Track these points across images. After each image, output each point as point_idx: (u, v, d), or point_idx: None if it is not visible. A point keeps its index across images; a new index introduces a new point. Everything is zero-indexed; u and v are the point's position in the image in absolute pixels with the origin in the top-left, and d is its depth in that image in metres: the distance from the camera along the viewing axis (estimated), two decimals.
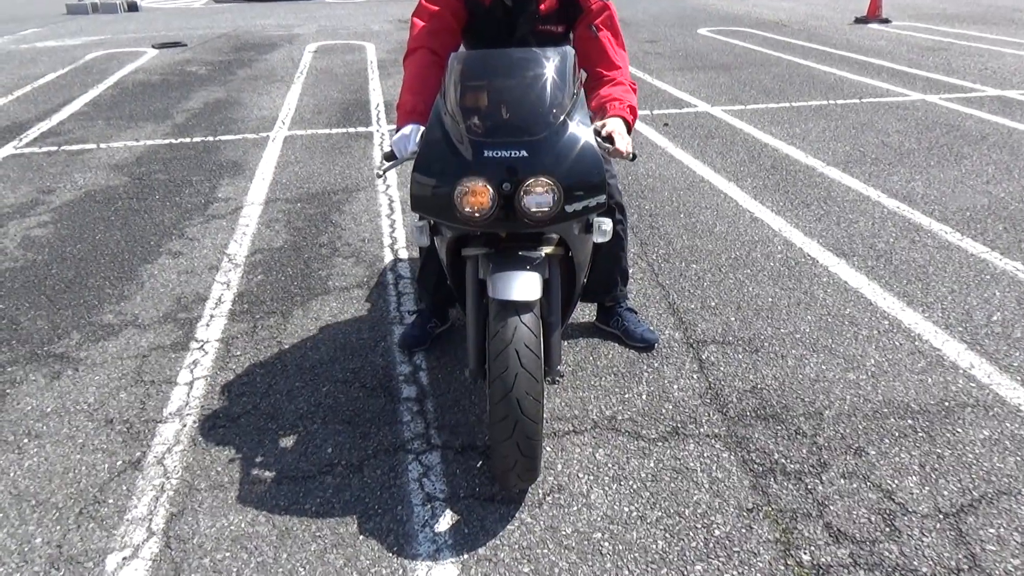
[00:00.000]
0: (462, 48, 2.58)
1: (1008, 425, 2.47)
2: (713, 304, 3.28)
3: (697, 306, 3.27)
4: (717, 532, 2.05)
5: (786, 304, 3.27)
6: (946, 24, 12.33)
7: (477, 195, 1.97)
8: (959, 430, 2.45)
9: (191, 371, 2.85)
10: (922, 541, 2.01)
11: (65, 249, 3.95)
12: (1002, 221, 4.13)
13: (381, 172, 2.29)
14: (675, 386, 2.70)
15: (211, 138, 6.03)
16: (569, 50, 2.21)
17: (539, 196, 1.97)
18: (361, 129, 6.24)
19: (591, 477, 2.26)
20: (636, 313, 3.04)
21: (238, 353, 2.97)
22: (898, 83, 7.72)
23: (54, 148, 5.82)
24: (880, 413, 2.54)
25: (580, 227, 2.13)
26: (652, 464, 2.31)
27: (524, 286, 1.96)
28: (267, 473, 2.30)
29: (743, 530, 2.05)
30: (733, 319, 3.15)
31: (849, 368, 2.79)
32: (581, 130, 2.04)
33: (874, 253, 3.75)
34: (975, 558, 1.95)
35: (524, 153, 1.97)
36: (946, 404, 2.58)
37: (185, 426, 2.53)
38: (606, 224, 2.12)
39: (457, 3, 2.49)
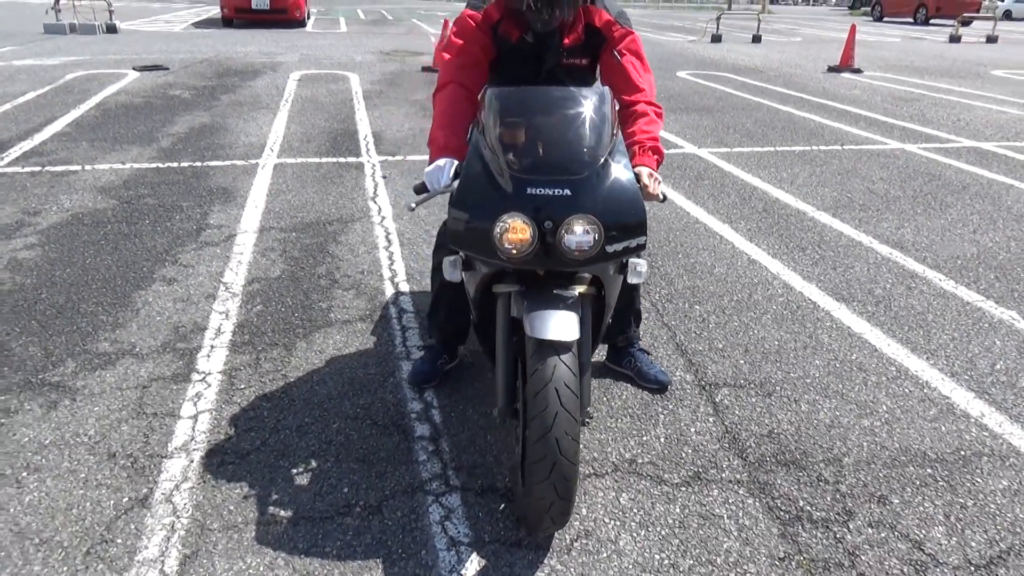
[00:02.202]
0: (493, 85, 2.57)
1: None
2: (721, 346, 3.28)
3: (705, 348, 3.26)
4: None
5: (793, 348, 3.28)
6: (915, 76, 12.75)
7: (518, 232, 1.95)
8: (978, 480, 2.46)
9: (194, 404, 2.76)
10: None
11: (55, 273, 3.83)
12: (993, 270, 4.22)
13: (414, 205, 2.26)
14: (692, 429, 2.68)
15: (199, 163, 5.94)
16: (607, 90, 2.22)
17: (580, 236, 1.95)
18: (351, 159, 6.21)
19: (617, 523, 2.21)
20: (649, 354, 3.03)
21: (242, 386, 2.88)
22: (876, 131, 7.92)
23: (38, 168, 5.68)
24: (899, 461, 2.54)
25: (615, 267, 2.12)
26: (678, 510, 2.27)
27: (564, 325, 1.94)
28: (283, 513, 2.22)
29: None
30: (742, 362, 3.15)
31: (863, 415, 2.80)
32: (622, 171, 2.04)
33: (873, 299, 3.80)
34: None
35: (567, 192, 1.96)
36: (962, 453, 2.59)
37: (192, 462, 2.44)
38: (641, 266, 2.11)
39: (486, 38, 2.49)
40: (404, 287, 3.79)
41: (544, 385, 1.88)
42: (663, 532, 2.18)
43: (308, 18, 20.59)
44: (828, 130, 7.92)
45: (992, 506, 2.34)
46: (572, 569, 2.04)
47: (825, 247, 4.50)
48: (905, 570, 2.07)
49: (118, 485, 2.32)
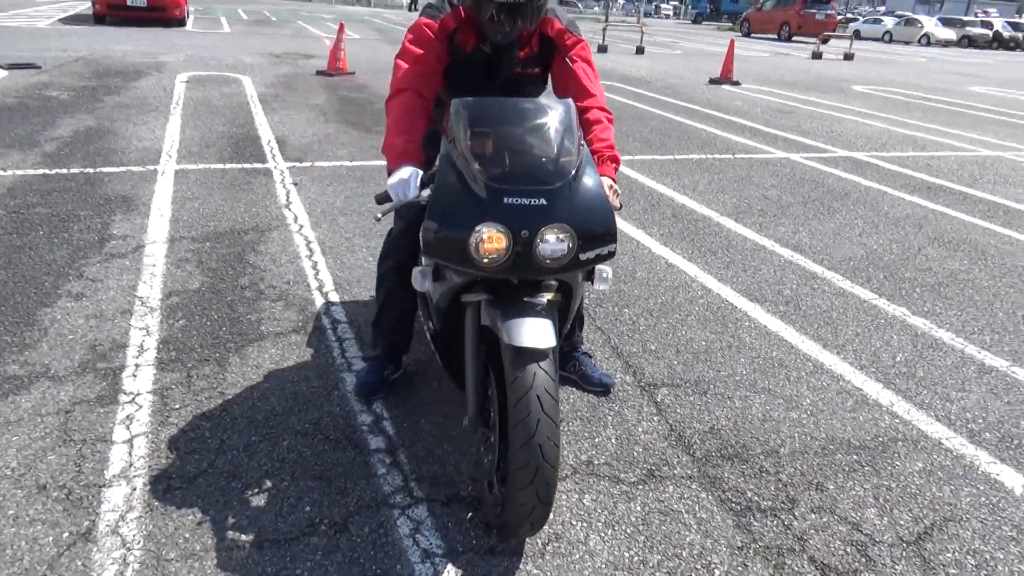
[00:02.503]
0: (449, 94, 2.58)
1: (936, 457, 2.73)
2: (653, 348, 3.41)
3: (639, 349, 3.38)
4: (717, 572, 2.11)
5: (719, 348, 3.45)
6: (787, 89, 13.60)
7: (493, 241, 1.97)
8: (897, 463, 2.68)
9: (127, 427, 2.61)
10: (895, 569, 2.17)
11: None
12: (881, 270, 4.58)
13: (379, 216, 2.24)
14: (639, 429, 2.78)
15: (91, 170, 5.59)
16: (571, 102, 2.27)
17: (555, 244, 2.00)
18: (257, 165, 6.01)
19: (585, 524, 2.27)
20: (591, 357, 3.11)
21: (177, 406, 2.75)
22: (761, 141, 8.41)
23: None
24: (828, 450, 2.73)
25: (583, 274, 2.17)
26: (639, 508, 2.36)
27: (541, 333, 1.97)
28: (244, 537, 2.14)
29: (740, 568, 2.13)
30: (675, 362, 3.29)
31: (790, 408, 2.99)
32: (593, 180, 2.10)
33: (782, 299, 4.05)
34: None
35: (543, 201, 1.99)
36: (880, 440, 2.81)
37: (135, 490, 2.31)
38: (607, 272, 2.17)
39: (441, 47, 2.49)
40: (334, 297, 3.72)
41: (525, 392, 1.91)
42: (629, 530, 2.26)
43: (187, 17, 19.67)
44: (719, 139, 8.34)
45: (912, 487, 2.55)
46: (548, 572, 2.08)
47: (733, 251, 4.75)
48: (848, 551, 2.23)
49: (55, 520, 2.17)
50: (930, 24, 39.05)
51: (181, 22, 18.45)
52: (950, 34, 38.27)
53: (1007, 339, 3.73)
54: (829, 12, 32.21)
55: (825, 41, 23.20)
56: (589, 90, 2.56)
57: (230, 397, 2.82)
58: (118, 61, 11.36)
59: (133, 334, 3.24)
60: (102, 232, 4.36)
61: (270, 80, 10.50)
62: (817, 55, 21.81)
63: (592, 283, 2.22)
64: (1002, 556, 2.25)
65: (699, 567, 2.13)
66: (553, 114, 2.18)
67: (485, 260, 1.99)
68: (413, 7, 38.66)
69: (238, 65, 11.87)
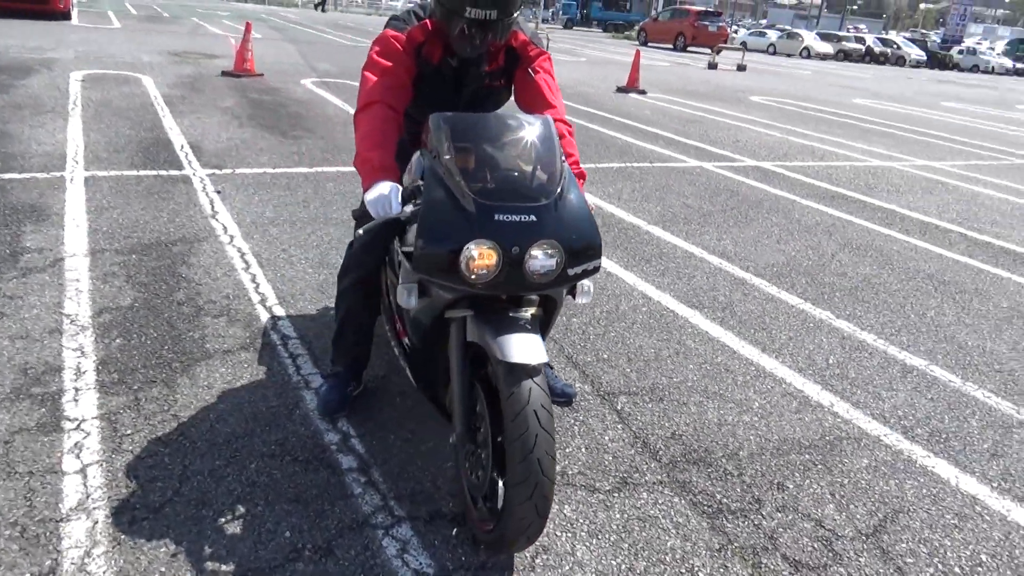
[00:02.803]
0: (417, 107, 2.56)
1: (878, 453, 2.91)
2: (606, 356, 3.48)
3: (593, 359, 3.45)
4: (701, 574, 2.19)
5: (667, 355, 3.56)
6: (690, 99, 14.12)
7: (484, 257, 1.98)
8: (845, 460, 2.84)
9: (77, 456, 2.46)
10: (859, 561, 2.31)
11: None
12: (802, 275, 4.84)
13: (361, 235, 2.20)
14: (606, 438, 2.84)
15: None
16: (550, 118, 2.30)
17: (544, 260, 2.03)
18: (174, 172, 5.75)
19: (569, 534, 2.30)
20: (552, 368, 3.15)
21: (128, 431, 2.61)
22: (675, 150, 8.71)
23: None
24: (782, 450, 2.87)
25: (567, 289, 2.21)
26: (618, 515, 2.41)
27: (533, 349, 1.99)
28: (224, 567, 2.06)
29: (721, 570, 2.22)
30: (629, 370, 3.37)
31: (742, 411, 3.12)
32: (576, 195, 2.14)
33: (718, 305, 4.21)
34: (902, 571, 2.28)
35: (533, 218, 2.02)
36: (827, 439, 2.98)
37: (97, 523, 2.18)
38: (588, 285, 2.22)
39: (409, 60, 2.47)
40: (279, 311, 3.61)
41: (523, 408, 1.93)
42: (612, 538, 2.30)
43: (72, 10, 18.53)
44: (635, 148, 8.58)
45: (862, 482, 2.72)
46: None
47: (666, 259, 4.90)
48: (816, 546, 2.36)
49: (12, 560, 2.02)
50: (810, 38, 41.47)
51: (65, 15, 17.39)
52: (828, 48, 40.72)
53: (922, 340, 4.02)
54: (720, 24, 33.73)
55: (719, 52, 24.24)
56: (551, 102, 2.60)
57: (185, 420, 2.70)
58: (0, 56, 10.60)
59: (67, 355, 3.04)
60: (13, 245, 4.08)
61: (173, 80, 10.05)
62: (713, 66, 22.73)
63: (574, 297, 2.26)
64: (949, 543, 2.43)
65: (683, 571, 2.20)
66: (535, 130, 2.21)
67: (474, 276, 1.99)
68: (322, 8, 37.61)
69: (136, 64, 11.29)
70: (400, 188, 2.20)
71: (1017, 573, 2.33)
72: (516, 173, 2.13)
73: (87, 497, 2.27)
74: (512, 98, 2.74)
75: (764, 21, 74.14)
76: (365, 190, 2.25)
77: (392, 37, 2.46)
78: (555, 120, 2.54)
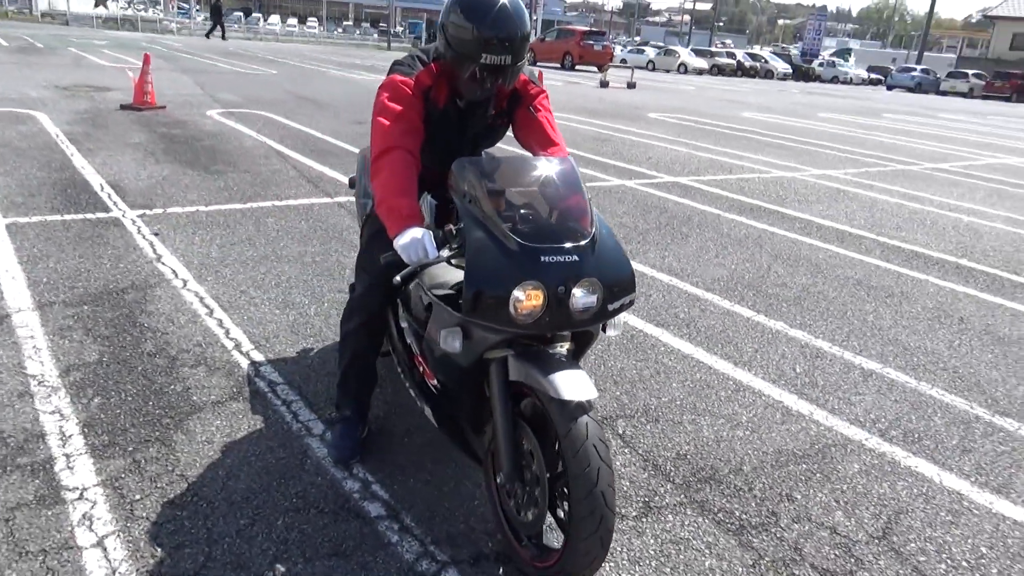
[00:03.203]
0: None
1: (865, 457, 3.11)
2: (594, 381, 3.54)
3: None
4: None
5: (649, 375, 3.67)
6: (593, 117, 14.53)
7: (532, 299, 2.02)
8: (839, 467, 3.02)
9: (89, 528, 2.31)
10: (880, 564, 2.46)
11: None
12: (748, 288, 5.09)
13: (399, 280, 2.18)
14: (618, 463, 2.90)
15: None
16: (572, 160, 2.36)
17: (586, 298, 2.08)
18: (102, 215, 5.46)
19: (613, 563, 2.35)
20: None
21: (137, 496, 2.48)
22: (595, 169, 8.95)
23: None
24: (780, 462, 3.01)
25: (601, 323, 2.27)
26: (652, 540, 2.47)
27: (584, 385, 2.04)
28: None
29: None
30: (619, 393, 3.46)
31: (734, 426, 3.26)
32: (607, 232, 2.21)
33: (681, 322, 4.38)
34: (919, 570, 2.45)
35: (575, 257, 2.07)
36: (817, 447, 3.15)
37: None
38: (619, 317, 2.28)
39: (419, 103, 2.48)
40: (257, 356, 3.50)
41: (583, 443, 1.97)
42: (654, 563, 2.37)
43: None
44: None
45: (859, 487, 2.90)
46: None
47: None
48: (837, 553, 2.50)
49: None
50: (685, 54, 43.53)
51: None
52: (703, 63, 42.86)
53: (870, 344, 4.30)
54: (605, 44, 34.81)
55: (607, 71, 25.05)
56: (553, 140, 2.68)
57: (193, 479, 2.59)
58: None
59: (45, 420, 2.86)
60: None
61: (71, 116, 9.52)
62: (604, 84, 23.45)
63: (605, 331, 2.32)
64: (951, 539, 2.63)
65: None
66: (561, 171, 2.27)
67: (522, 317, 2.03)
68: (222, 35, 35.97)
69: (24, 99, 10.63)
70: (430, 232, 2.21)
71: (1015, 561, 2.54)
72: (554, 214, 2.18)
73: (113, 572, 2.15)
74: (511, 134, 2.79)
75: (638, 38, 77.13)
76: (393, 236, 2.24)
77: (401, 82, 2.47)
78: (561, 154, 2.62)
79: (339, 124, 10.65)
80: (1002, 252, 6.68)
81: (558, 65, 33.98)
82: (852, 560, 2.46)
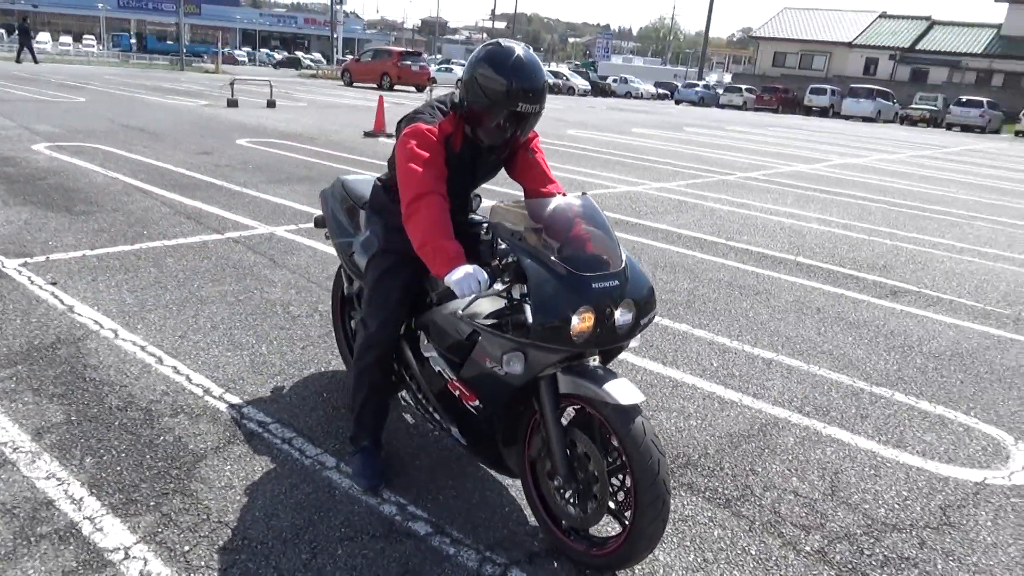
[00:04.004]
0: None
1: (795, 431, 3.68)
2: None
3: None
4: (752, 551, 2.73)
5: None
6: None
7: (587, 321, 2.34)
8: (779, 441, 3.57)
9: None
10: (839, 515, 3.00)
11: None
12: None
13: (461, 313, 2.41)
14: None
15: None
16: (590, 197, 2.69)
17: (626, 316, 2.43)
18: None
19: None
20: None
21: (186, 548, 2.50)
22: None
23: None
24: (735, 443, 3.52)
25: None
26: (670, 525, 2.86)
27: (634, 389, 2.39)
28: None
29: (761, 544, 2.77)
30: None
31: (686, 417, 3.73)
32: (630, 257, 2.56)
33: None
34: (868, 515, 3.02)
35: (616, 282, 2.42)
36: (756, 427, 3.70)
37: None
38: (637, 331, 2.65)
39: (442, 148, 2.70)
40: (233, 399, 3.51)
41: (643, 439, 2.32)
42: (675, 540, 2.75)
43: None
44: None
45: (800, 456, 3.46)
46: None
47: None
48: (805, 511, 3.01)
49: None
50: None
51: None
52: None
53: (759, 336, 4.99)
54: (422, 64, 35.36)
55: (421, 89, 25.52)
56: (550, 176, 3.01)
57: (234, 523, 2.64)
58: None
59: (44, 486, 2.76)
60: None
61: None
62: None
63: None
64: (880, 488, 3.24)
65: (739, 551, 2.72)
66: (586, 208, 2.59)
67: (577, 337, 2.34)
68: (32, 58, 32.01)
69: None
70: (479, 268, 2.45)
71: (929, 499, 3.19)
72: (597, 246, 2.50)
73: None
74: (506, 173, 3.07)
75: (439, 56, 78.34)
76: (444, 274, 2.45)
77: (427, 131, 2.68)
78: (557, 192, 2.95)
79: (186, 155, 10.23)
80: (825, 248, 7.79)
81: (375, 86, 34.00)
82: (818, 515, 2.99)
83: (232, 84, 18.87)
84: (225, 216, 6.98)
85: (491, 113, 2.62)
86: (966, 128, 39.57)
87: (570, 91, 48.96)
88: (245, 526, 2.62)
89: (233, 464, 2.99)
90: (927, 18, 56.40)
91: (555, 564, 2.56)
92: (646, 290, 2.52)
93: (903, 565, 2.72)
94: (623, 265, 2.47)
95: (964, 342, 5.19)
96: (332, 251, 5.98)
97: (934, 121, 42.36)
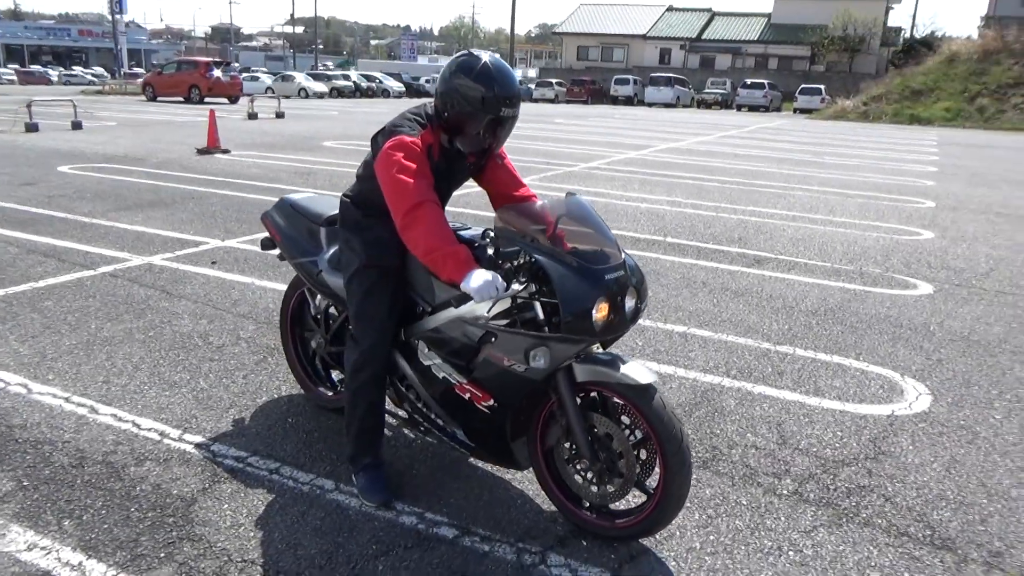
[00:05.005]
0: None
1: (732, 394, 4.06)
2: None
3: None
4: (744, 500, 3.03)
5: None
6: (276, 151, 14.39)
7: (603, 311, 2.52)
8: (723, 404, 3.93)
9: None
10: (797, 460, 3.39)
11: None
12: None
13: (488, 317, 2.50)
14: None
15: None
16: (580, 196, 2.84)
17: (631, 303, 2.63)
18: None
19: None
20: None
21: None
22: None
23: None
24: (688, 411, 3.83)
25: None
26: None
27: (647, 369, 2.59)
28: None
29: (748, 495, 3.08)
30: None
31: None
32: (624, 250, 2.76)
33: None
34: (819, 456, 3.43)
35: (622, 272, 2.61)
36: (699, 394, 4.04)
37: None
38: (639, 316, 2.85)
39: (426, 158, 2.76)
40: (195, 439, 3.35)
41: (666, 412, 2.53)
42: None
43: None
44: None
45: (744, 414, 3.83)
46: (673, 553, 2.71)
47: None
48: (769, 461, 3.37)
49: None
50: (303, 79, 44.11)
51: None
52: (323, 87, 43.81)
53: (666, 312, 5.38)
54: (233, 75, 33.79)
55: (234, 101, 24.42)
56: (521, 181, 3.14)
57: (260, 560, 2.57)
58: None
59: (30, 557, 2.55)
60: None
61: None
62: (253, 115, 22.88)
63: None
64: (818, 432, 3.66)
65: (731, 504, 3.01)
66: (583, 207, 2.75)
67: (599, 326, 2.51)
68: None
69: None
70: (494, 272, 2.55)
71: (862, 438, 3.65)
72: (600, 240, 2.66)
73: None
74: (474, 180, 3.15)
75: (237, 65, 75.00)
76: (460, 280, 2.53)
77: (411, 142, 2.72)
78: (528, 193, 3.09)
79: (6, 188, 9.27)
80: (684, 227, 8.45)
81: (182, 99, 32.05)
82: (781, 463, 3.35)
83: (29, 107, 17.09)
84: (87, 250, 6.44)
85: (473, 121, 2.71)
86: (753, 108, 43.69)
87: (385, 93, 48.73)
88: (273, 560, 2.56)
89: (229, 502, 2.88)
90: (708, 10, 61.49)
91: (584, 543, 2.72)
92: (642, 278, 2.73)
93: (863, 492, 3.14)
94: (623, 256, 2.66)
95: (829, 298, 5.89)
96: (224, 275, 5.78)
97: (725, 103, 46.43)
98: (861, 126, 31.24)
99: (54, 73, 56.59)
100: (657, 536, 2.76)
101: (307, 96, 41.75)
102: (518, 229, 2.62)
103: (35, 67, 62.24)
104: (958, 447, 3.56)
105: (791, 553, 2.71)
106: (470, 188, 3.17)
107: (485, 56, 2.75)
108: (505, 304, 2.64)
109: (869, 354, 4.70)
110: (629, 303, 2.61)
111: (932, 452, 3.50)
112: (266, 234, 3.63)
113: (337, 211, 3.24)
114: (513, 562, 2.60)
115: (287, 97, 39.08)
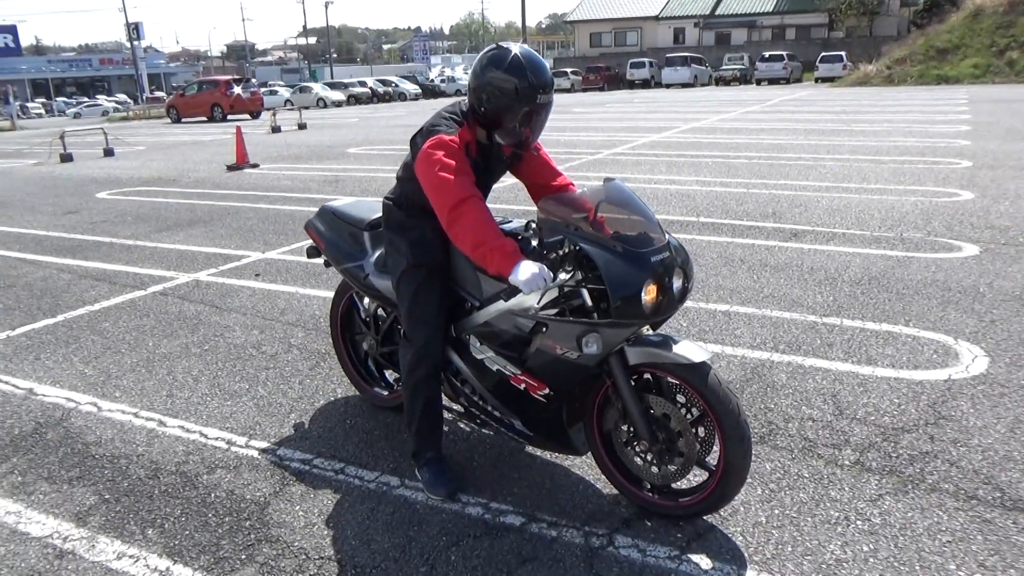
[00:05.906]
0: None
1: (783, 368, 4.06)
2: None
3: None
4: (793, 469, 3.04)
5: None
6: (302, 162, 14.58)
7: (652, 293, 2.54)
8: (775, 378, 3.94)
9: None
10: (855, 430, 3.39)
11: None
12: None
13: (537, 309, 2.55)
14: None
15: None
16: (620, 181, 2.87)
17: (679, 283, 2.66)
18: None
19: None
20: None
21: None
22: None
23: None
24: (740, 388, 3.84)
25: None
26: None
27: (699, 347, 2.62)
28: None
29: (800, 463, 3.09)
30: None
31: None
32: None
33: None
34: (876, 424, 3.43)
35: (668, 254, 2.63)
36: (749, 370, 4.04)
37: None
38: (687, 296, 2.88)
39: (464, 155, 2.81)
40: (261, 444, 3.45)
41: (722, 388, 2.55)
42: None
43: None
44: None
45: (797, 387, 3.83)
46: (701, 526, 2.74)
47: None
48: (827, 432, 3.37)
49: None
50: (320, 89, 44.50)
51: None
52: (340, 95, 44.14)
53: (708, 292, 5.37)
54: (253, 90, 34.23)
55: (256, 116, 24.78)
56: (557, 170, 3.18)
57: (337, 557, 2.65)
58: None
59: (120, 565, 2.65)
60: None
61: None
62: (276, 128, 23.19)
63: None
64: (875, 399, 3.65)
65: (793, 477, 3.03)
66: (623, 191, 2.78)
67: (649, 309, 2.54)
68: None
69: None
70: (541, 264, 2.59)
71: (920, 404, 3.63)
72: (644, 222, 2.69)
73: None
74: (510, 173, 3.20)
75: (255, 80, 75.93)
76: (508, 273, 2.57)
77: (449, 141, 2.77)
78: (567, 182, 3.13)
79: (50, 218, 9.54)
80: (716, 206, 8.40)
81: (205, 119, 32.55)
82: (839, 433, 3.35)
83: (62, 137, 17.52)
84: (136, 271, 6.62)
85: (509, 113, 2.75)
86: (773, 81, 43.07)
87: (401, 97, 48.97)
88: (350, 555, 2.64)
89: (301, 503, 2.97)
90: None
91: (649, 523, 2.76)
92: (687, 257, 2.75)
93: (926, 458, 3.13)
94: (667, 238, 2.69)
95: (872, 267, 5.83)
96: (268, 286, 5.89)
97: (744, 79, 45.82)
98: (887, 90, 30.67)
99: (71, 111, 55.40)
100: (722, 512, 2.79)
101: (325, 105, 42.12)
102: (560, 218, 2.66)
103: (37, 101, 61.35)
104: (1021, 407, 3.52)
105: (859, 523, 2.72)
106: (500, 182, 3.20)
107: (515, 48, 2.78)
108: (553, 294, 2.67)
109: (919, 320, 4.66)
110: (676, 283, 2.64)
111: (994, 414, 3.47)
112: (310, 243, 3.71)
113: (377, 215, 3.32)
114: (581, 545, 2.65)
115: (306, 108, 39.48)
